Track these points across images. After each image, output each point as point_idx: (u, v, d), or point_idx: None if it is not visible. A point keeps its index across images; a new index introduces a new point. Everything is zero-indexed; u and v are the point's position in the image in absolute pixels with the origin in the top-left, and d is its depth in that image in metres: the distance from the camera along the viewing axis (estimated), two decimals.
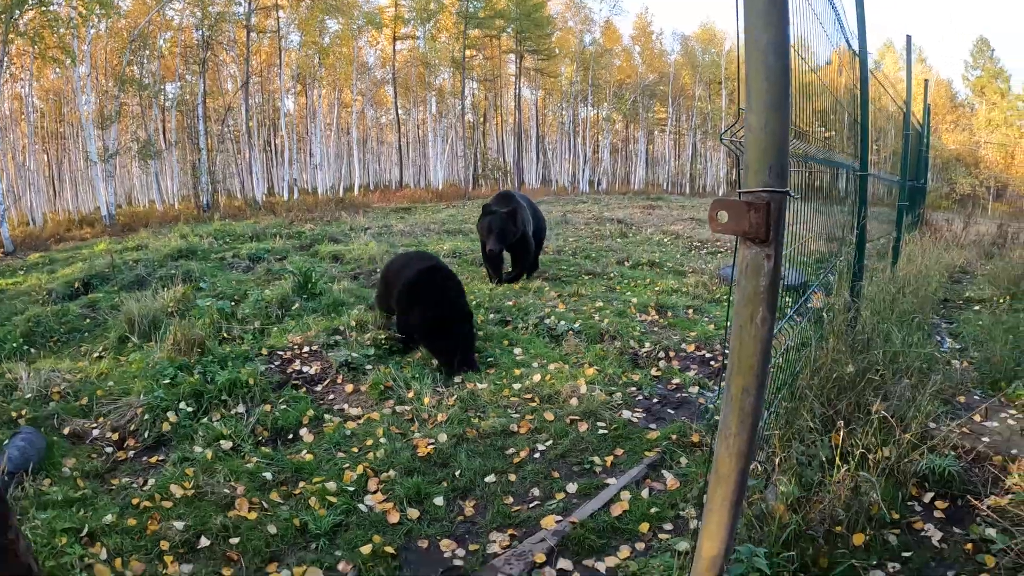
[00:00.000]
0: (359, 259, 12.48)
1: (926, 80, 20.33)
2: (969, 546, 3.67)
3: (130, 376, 6.55)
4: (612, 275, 11.67)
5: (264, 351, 6.88)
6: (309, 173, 44.91)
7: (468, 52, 47.56)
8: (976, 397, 5.70)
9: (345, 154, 48.46)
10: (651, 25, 57.90)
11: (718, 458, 2.25)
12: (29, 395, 5.99)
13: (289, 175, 39.71)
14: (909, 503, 4.09)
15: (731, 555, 2.50)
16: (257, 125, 41.90)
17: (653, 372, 6.73)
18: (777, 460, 3.77)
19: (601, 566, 3.64)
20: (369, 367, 6.51)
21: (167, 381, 6.01)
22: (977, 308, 9.53)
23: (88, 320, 9.03)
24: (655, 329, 8.20)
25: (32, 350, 7.96)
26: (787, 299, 5.68)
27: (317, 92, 44.44)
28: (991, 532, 3.66)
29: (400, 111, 48.97)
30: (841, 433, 3.96)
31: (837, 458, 3.82)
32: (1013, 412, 5.28)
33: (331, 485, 4.43)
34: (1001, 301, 9.62)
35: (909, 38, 12.09)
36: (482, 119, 53.95)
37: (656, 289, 10.39)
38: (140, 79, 32.96)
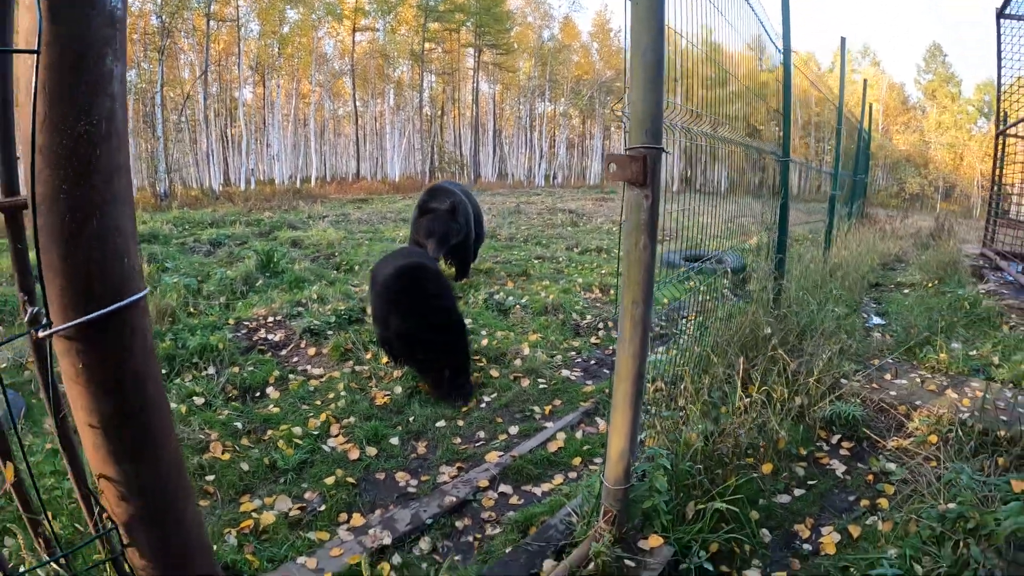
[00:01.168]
0: (318, 244, 12.79)
1: (864, 80, 21.12)
2: (870, 477, 4.23)
3: None
4: (561, 260, 12.16)
5: (231, 321, 7.21)
6: (266, 163, 44.71)
7: (427, 45, 47.82)
8: (889, 360, 6.28)
9: (302, 145, 48.35)
10: (610, 22, 58.33)
11: (618, 360, 2.77)
12: (5, 364, 6.26)
13: (247, 165, 39.62)
14: (817, 444, 4.65)
15: (636, 451, 3.00)
16: (214, 115, 41.73)
17: (592, 340, 7.27)
18: (695, 403, 4.25)
19: (537, 490, 4.14)
20: (330, 332, 6.88)
21: None
22: (907, 291, 10.13)
23: None
24: (597, 305, 8.74)
25: None
26: (725, 281, 6.30)
27: (276, 82, 44.38)
28: (891, 466, 4.22)
29: (358, 103, 49.04)
30: (756, 383, 4.52)
31: (748, 402, 4.34)
32: (922, 372, 5.91)
33: (297, 430, 4.82)
34: (929, 285, 10.28)
35: (843, 40, 12.78)
36: (440, 112, 54.09)
37: (602, 272, 10.90)
38: None
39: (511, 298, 8.40)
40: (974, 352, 6.49)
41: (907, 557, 3.11)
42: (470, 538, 3.63)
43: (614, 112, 56.57)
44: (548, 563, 2.95)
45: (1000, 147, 14.67)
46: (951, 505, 3.33)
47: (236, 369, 6.04)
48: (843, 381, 5.36)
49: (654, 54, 2.57)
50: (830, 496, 4.06)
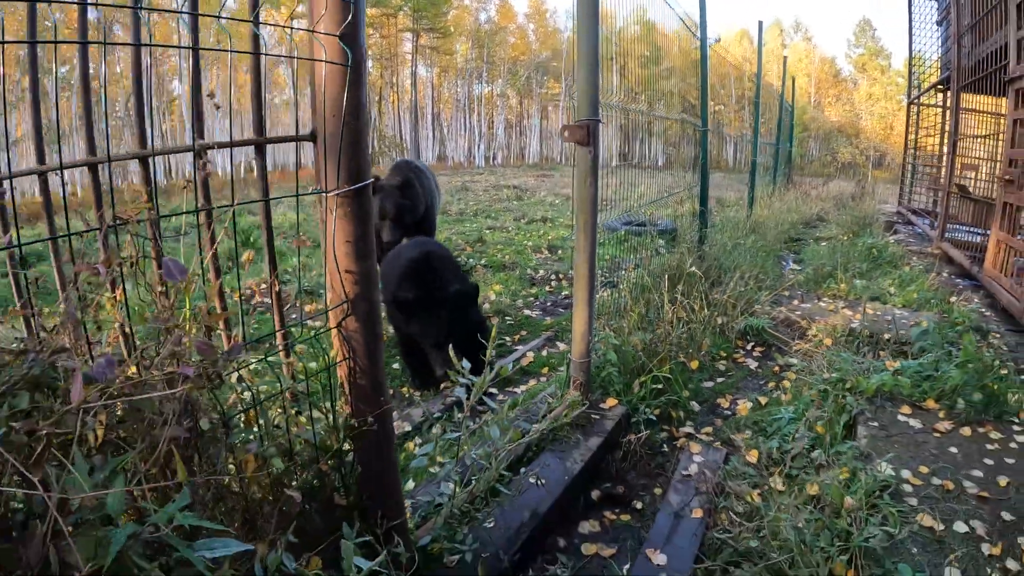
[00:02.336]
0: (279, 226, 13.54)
1: (785, 57, 22.46)
2: (776, 369, 5.40)
3: None
4: (510, 229, 13.36)
5: None
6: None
7: (367, 31, 48.32)
8: (799, 292, 7.48)
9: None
10: (545, 3, 59.33)
11: (576, 265, 3.91)
12: None
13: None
14: (735, 349, 5.81)
15: (593, 332, 4.11)
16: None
17: (547, 289, 8.39)
18: (635, 316, 5.35)
19: (518, 390, 5.18)
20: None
21: None
22: (824, 243, 11.34)
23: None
24: (547, 262, 9.96)
25: None
26: (660, 241, 7.47)
27: (215, 72, 44.56)
28: (793, 361, 5.39)
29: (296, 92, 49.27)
30: (684, 305, 5.65)
31: (676, 318, 5.47)
32: (825, 299, 7.15)
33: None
34: (844, 238, 11.55)
35: (760, 23, 14.01)
36: (378, 98, 54.59)
37: (549, 237, 12.07)
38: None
39: (471, 260, 9.51)
40: (875, 285, 7.71)
41: (800, 409, 4.24)
42: (470, 424, 4.66)
43: (559, 93, 57.56)
44: (536, 425, 3.95)
45: (913, 114, 16.03)
46: (834, 374, 4.50)
47: None
48: (757, 306, 6.52)
49: (592, 57, 3.80)
50: (745, 382, 5.21)
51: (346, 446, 2.21)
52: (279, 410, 2.10)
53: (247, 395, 1.95)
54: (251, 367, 1.98)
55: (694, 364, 5.19)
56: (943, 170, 11.48)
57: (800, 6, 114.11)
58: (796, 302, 7.03)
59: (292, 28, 2.00)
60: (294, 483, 2.04)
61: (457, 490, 2.91)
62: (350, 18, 1.92)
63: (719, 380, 5.14)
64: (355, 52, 1.95)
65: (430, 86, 56.85)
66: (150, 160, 1.94)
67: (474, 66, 54.98)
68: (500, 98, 57.86)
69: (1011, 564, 2.70)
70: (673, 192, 8.54)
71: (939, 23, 13.65)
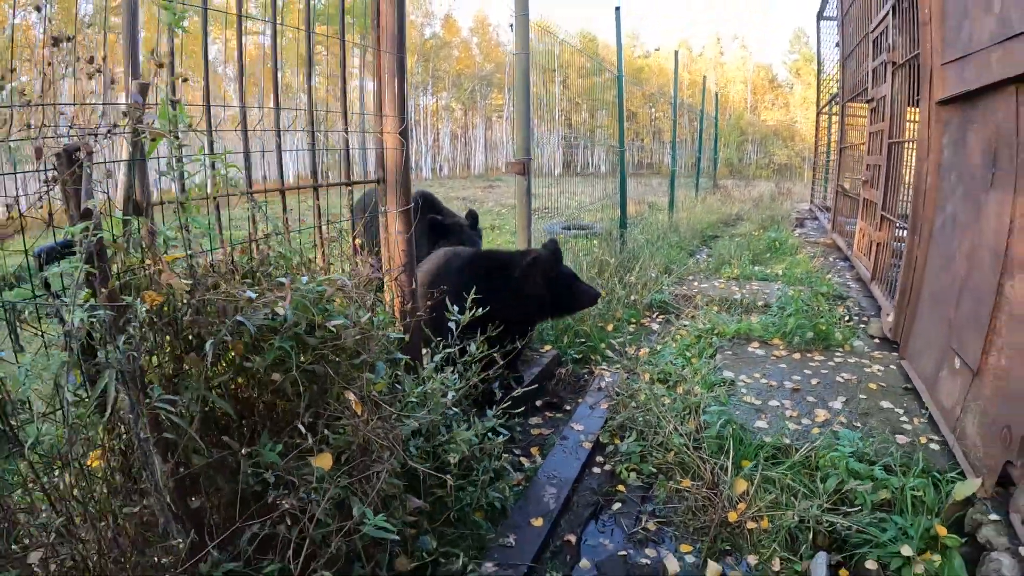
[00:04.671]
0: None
1: (704, 76, 24.62)
2: (672, 328, 7.14)
3: None
4: None
5: None
6: None
7: (317, 48, 49.54)
8: (700, 276, 9.35)
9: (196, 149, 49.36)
10: (489, 18, 60.95)
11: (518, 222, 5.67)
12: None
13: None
14: (643, 318, 7.57)
15: None
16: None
17: None
18: None
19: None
20: None
21: None
22: (737, 239, 13.20)
23: None
24: None
25: None
26: (592, 241, 9.32)
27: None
28: (686, 322, 7.14)
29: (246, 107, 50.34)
30: (603, 286, 7.45)
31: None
32: (720, 281, 8.97)
33: None
34: (755, 233, 13.46)
35: (676, 54, 16.01)
36: (327, 112, 55.60)
37: (497, 242, 13.79)
38: None
39: None
40: (768, 270, 9.62)
41: (681, 348, 6.05)
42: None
43: (503, 104, 58.80)
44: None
45: (823, 124, 18.13)
46: (708, 324, 6.35)
47: None
48: (664, 286, 8.36)
49: (525, 116, 5.70)
50: (648, 338, 6.98)
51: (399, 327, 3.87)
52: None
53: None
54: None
55: (610, 327, 6.97)
56: (829, 172, 13.52)
57: (739, 17, 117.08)
58: (696, 283, 8.90)
59: (372, 132, 3.72)
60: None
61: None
62: (404, 125, 3.67)
63: (628, 336, 6.87)
64: (406, 139, 3.69)
65: None
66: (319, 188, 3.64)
67: (420, 79, 56.32)
68: (445, 110, 59.24)
69: (804, 421, 4.49)
70: (605, 199, 10.52)
71: (837, 45, 15.64)
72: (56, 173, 1.91)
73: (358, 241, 3.76)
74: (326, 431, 2.35)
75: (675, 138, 16.75)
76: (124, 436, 1.97)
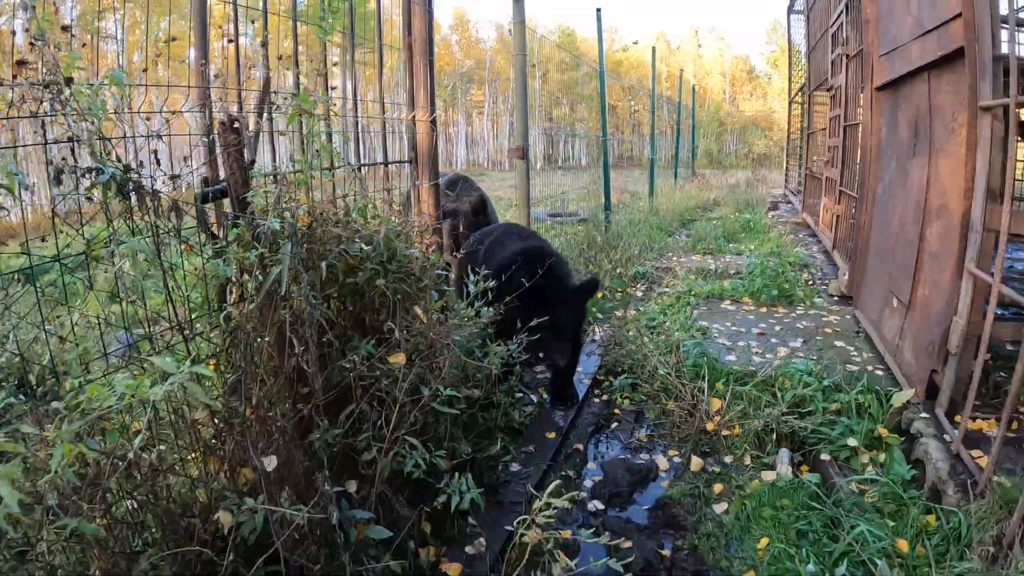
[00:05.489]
0: None
1: (681, 70, 25.35)
2: (654, 295, 7.97)
3: None
4: None
5: None
6: None
7: (300, 48, 50.07)
8: (681, 252, 10.23)
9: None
10: (468, 14, 61.53)
11: (519, 200, 6.53)
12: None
13: None
14: (629, 287, 8.41)
15: None
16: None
17: None
18: None
19: None
20: None
21: None
22: (715, 221, 14.08)
23: None
24: None
25: None
26: (579, 227, 10.17)
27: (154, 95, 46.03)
28: (667, 290, 7.98)
29: (231, 108, 50.93)
30: (593, 261, 8.30)
31: (587, 270, 8.12)
32: (697, 256, 9.83)
33: None
34: (732, 216, 14.34)
35: (654, 50, 16.82)
36: (237, 101, 56.05)
37: None
38: None
39: None
40: (741, 246, 10.51)
41: (662, 308, 6.90)
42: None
43: (483, 101, 59.22)
44: None
45: (790, 112, 19.04)
46: (685, 287, 7.21)
47: None
48: (647, 261, 9.23)
49: (523, 108, 6.53)
50: (633, 302, 7.80)
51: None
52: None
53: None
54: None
55: (599, 295, 7.81)
56: (803, 156, 14.42)
57: (716, 9, 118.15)
58: (675, 258, 9.78)
59: (405, 118, 4.55)
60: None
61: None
62: (433, 115, 4.49)
63: (616, 302, 7.72)
64: (434, 125, 4.51)
65: (356, 98, 58.39)
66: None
67: (401, 76, 56.80)
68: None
69: (768, 356, 5.36)
70: (589, 186, 11.44)
71: (804, 38, 16.55)
72: (221, 136, 2.72)
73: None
74: (400, 335, 3.16)
75: (654, 129, 17.69)
76: (287, 312, 2.73)
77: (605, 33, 10.57)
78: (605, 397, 5.29)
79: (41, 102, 2.04)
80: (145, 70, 2.83)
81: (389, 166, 4.63)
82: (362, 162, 4.39)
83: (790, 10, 18.72)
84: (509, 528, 3.15)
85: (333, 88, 4.03)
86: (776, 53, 62.12)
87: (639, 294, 8.10)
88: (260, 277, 2.52)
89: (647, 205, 14.60)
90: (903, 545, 2.99)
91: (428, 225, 4.41)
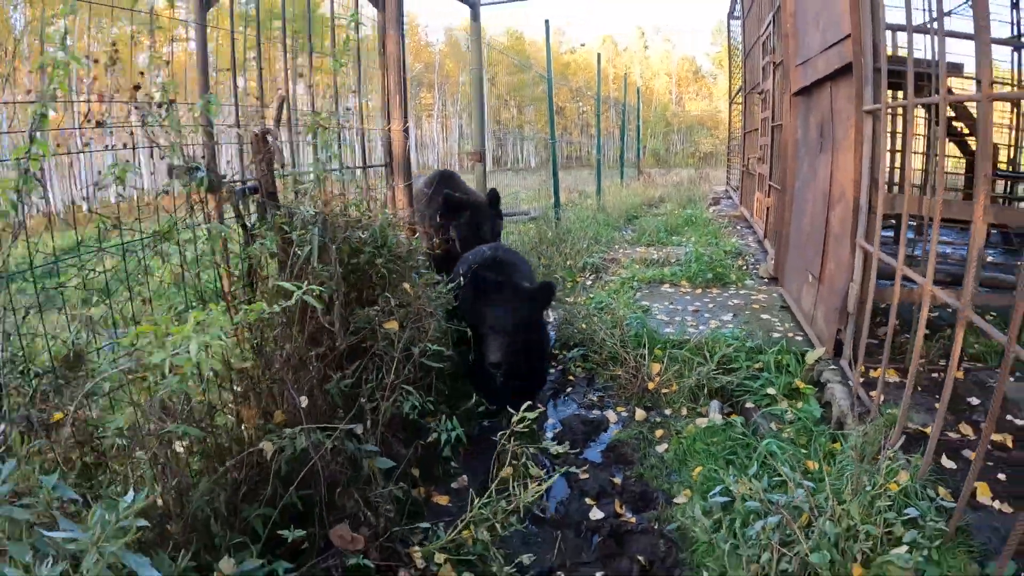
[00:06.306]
0: None
1: (627, 73, 26.41)
2: (601, 284, 8.67)
3: None
4: None
5: None
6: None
7: (251, 53, 50.15)
8: (627, 245, 11.02)
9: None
10: (418, 18, 61.80)
11: None
12: None
13: None
14: (578, 276, 9.12)
15: None
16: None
17: None
18: None
19: None
20: None
21: None
22: (659, 217, 14.89)
23: None
24: None
25: None
26: (530, 225, 10.91)
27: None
28: (612, 277, 8.72)
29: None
30: (544, 254, 9.03)
31: (540, 262, 8.84)
32: (641, 248, 10.62)
33: None
34: (675, 212, 15.18)
35: (599, 55, 17.70)
36: (261, 117, 56.18)
37: None
38: None
39: None
40: (683, 238, 11.33)
41: (609, 292, 7.64)
42: None
43: (432, 105, 59.62)
44: None
45: (731, 112, 20.03)
46: (629, 274, 7.96)
47: None
48: (595, 254, 9.98)
49: (480, 117, 7.22)
50: (582, 289, 8.49)
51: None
52: None
53: None
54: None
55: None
56: (741, 155, 15.36)
57: (663, 10, 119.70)
58: (621, 250, 10.57)
59: (383, 128, 5.22)
60: None
61: None
62: (406, 123, 5.17)
63: (567, 290, 8.36)
64: (407, 133, 5.19)
65: (309, 102, 58.46)
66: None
67: (351, 79, 56.88)
68: (375, 111, 59.85)
69: (701, 327, 6.13)
70: (539, 188, 12.26)
71: (742, 43, 17.50)
72: (253, 145, 3.40)
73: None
74: (394, 305, 3.85)
75: (599, 131, 18.55)
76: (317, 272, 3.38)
77: (552, 35, 11.37)
78: (560, 367, 6.00)
79: (144, 117, 2.72)
80: (167, 91, 3.46)
81: (368, 169, 5.30)
82: (346, 166, 5.04)
83: (730, 16, 19.70)
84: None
85: (348, 109, 4.67)
86: (721, 53, 62.62)
87: (588, 282, 8.80)
88: (299, 252, 3.19)
89: (595, 203, 15.47)
90: (812, 465, 3.73)
91: (406, 220, 5.10)
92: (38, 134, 2.40)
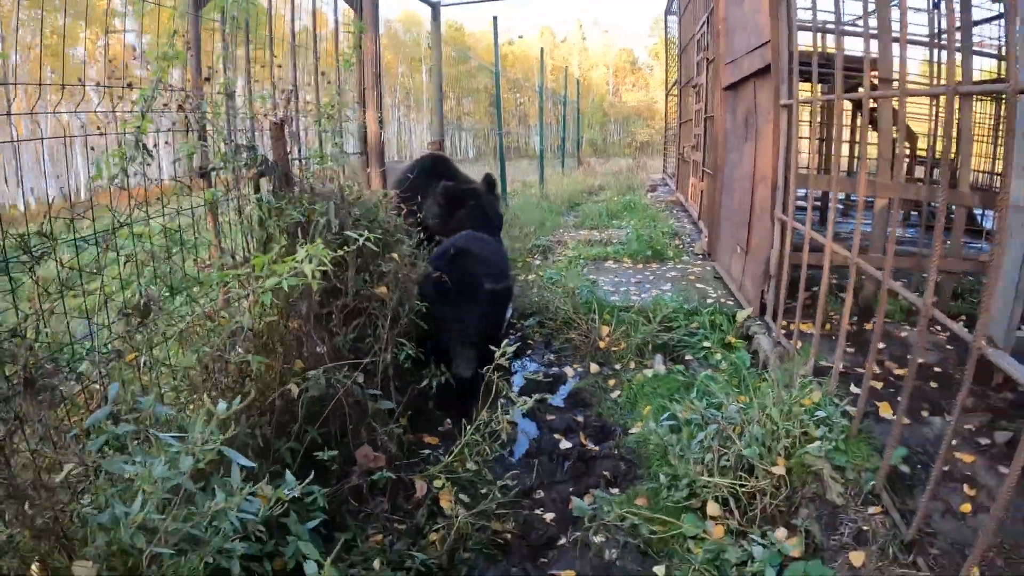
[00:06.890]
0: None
1: (567, 66, 27.31)
2: (549, 262, 9.35)
3: None
4: None
5: None
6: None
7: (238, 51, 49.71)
8: (571, 229, 11.78)
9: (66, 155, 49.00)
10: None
11: None
12: None
13: None
14: (528, 258, 9.82)
15: None
16: None
17: None
18: None
19: None
20: None
21: None
22: (599, 204, 15.63)
23: None
24: None
25: None
26: None
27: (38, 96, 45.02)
28: (560, 257, 9.42)
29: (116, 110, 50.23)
30: None
31: None
32: (585, 231, 11.38)
33: None
34: (615, 199, 15.98)
35: (542, 50, 18.49)
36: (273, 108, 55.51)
37: None
38: None
39: None
40: (623, 222, 12.12)
41: (558, 270, 8.35)
42: None
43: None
44: None
45: (667, 104, 20.94)
46: (576, 253, 8.71)
47: None
48: (541, 237, 10.70)
49: (439, 110, 7.83)
50: (533, 268, 9.17)
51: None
52: None
53: None
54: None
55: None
56: (677, 144, 16.25)
57: (601, 2, 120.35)
58: (566, 234, 11.30)
59: (359, 118, 5.87)
60: None
61: None
62: (380, 115, 5.81)
63: (518, 269, 9.04)
64: (382, 127, 5.84)
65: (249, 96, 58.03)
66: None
67: (290, 74, 56.52)
68: (316, 106, 59.58)
69: (643, 295, 6.88)
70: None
71: (678, 38, 18.34)
72: (272, 131, 4.05)
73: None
74: (387, 271, 4.52)
75: (542, 121, 19.30)
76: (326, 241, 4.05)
77: (489, 27, 12.09)
78: (520, 334, 6.70)
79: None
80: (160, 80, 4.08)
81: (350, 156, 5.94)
82: (336, 152, 5.66)
83: (667, 11, 20.56)
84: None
85: (332, 105, 5.30)
86: (658, 45, 63.19)
87: (537, 262, 9.49)
88: (320, 221, 3.85)
89: (539, 192, 16.25)
90: (743, 399, 4.48)
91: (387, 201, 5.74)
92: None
